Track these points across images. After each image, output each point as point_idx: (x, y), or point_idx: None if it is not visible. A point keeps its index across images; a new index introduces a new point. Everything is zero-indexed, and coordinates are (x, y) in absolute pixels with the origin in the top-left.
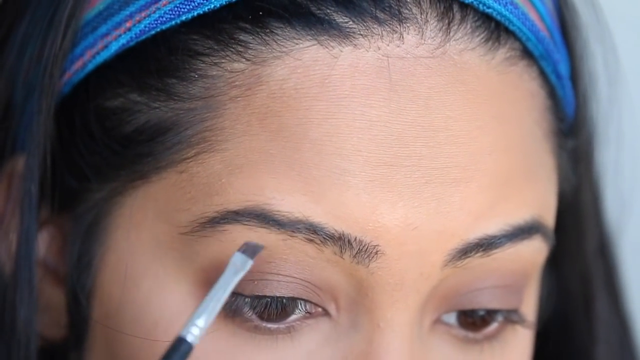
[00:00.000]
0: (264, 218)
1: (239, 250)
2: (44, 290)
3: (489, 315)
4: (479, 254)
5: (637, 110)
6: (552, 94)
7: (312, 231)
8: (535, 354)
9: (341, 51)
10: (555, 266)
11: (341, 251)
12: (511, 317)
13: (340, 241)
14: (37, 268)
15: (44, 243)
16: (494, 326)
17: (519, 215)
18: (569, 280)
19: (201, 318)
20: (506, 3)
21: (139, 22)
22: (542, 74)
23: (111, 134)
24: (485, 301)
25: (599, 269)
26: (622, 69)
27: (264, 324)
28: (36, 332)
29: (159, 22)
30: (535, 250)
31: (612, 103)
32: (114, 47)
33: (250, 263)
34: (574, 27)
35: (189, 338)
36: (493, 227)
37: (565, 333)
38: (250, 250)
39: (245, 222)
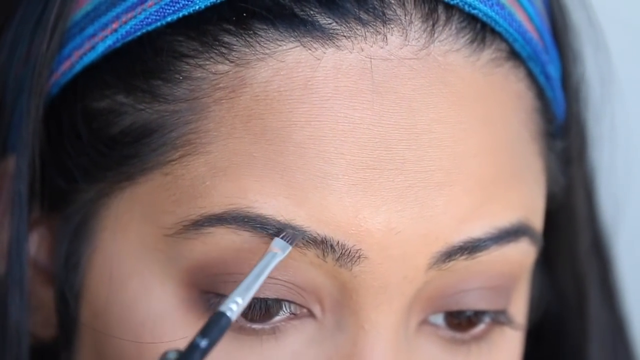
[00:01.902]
0: (247, 221)
1: (278, 236)
2: (35, 290)
3: (475, 317)
4: (463, 257)
5: (629, 111)
6: (541, 95)
7: None
8: (529, 354)
9: (324, 53)
10: (548, 266)
11: (324, 255)
12: (499, 318)
13: (322, 245)
14: (28, 268)
15: (34, 243)
16: (481, 327)
17: (504, 218)
18: (562, 281)
19: (240, 296)
20: (492, 4)
21: (125, 23)
22: (530, 75)
23: (98, 135)
24: (472, 302)
25: (593, 268)
26: (614, 69)
27: (249, 325)
28: (27, 331)
29: (144, 23)
30: (522, 253)
31: (604, 103)
32: (101, 48)
33: (289, 248)
34: (565, 27)
35: (228, 313)
36: (478, 230)
37: (558, 333)
38: (290, 236)
39: (229, 225)
